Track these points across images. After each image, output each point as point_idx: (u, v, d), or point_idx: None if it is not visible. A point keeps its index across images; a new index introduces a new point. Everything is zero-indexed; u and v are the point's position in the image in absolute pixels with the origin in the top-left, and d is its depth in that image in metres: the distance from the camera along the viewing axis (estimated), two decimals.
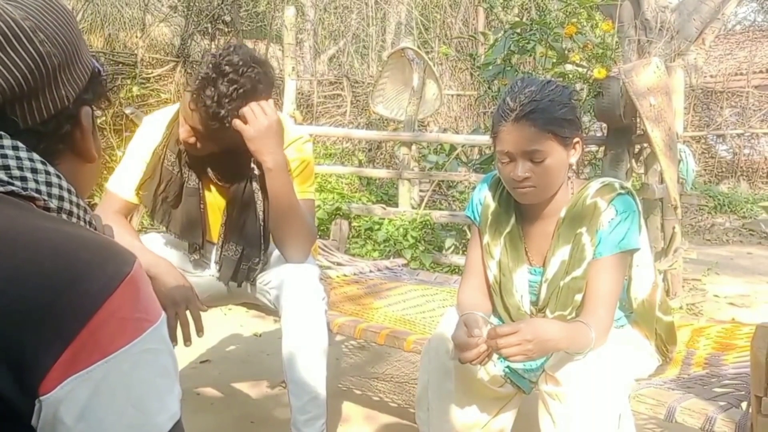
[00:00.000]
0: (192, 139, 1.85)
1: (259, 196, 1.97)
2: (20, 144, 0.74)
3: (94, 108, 0.85)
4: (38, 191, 0.74)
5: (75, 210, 0.78)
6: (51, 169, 0.76)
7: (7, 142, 0.73)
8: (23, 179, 0.73)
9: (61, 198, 0.76)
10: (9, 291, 0.63)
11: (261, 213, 1.97)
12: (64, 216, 0.76)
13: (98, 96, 0.85)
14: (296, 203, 1.93)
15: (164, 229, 2.07)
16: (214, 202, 2.05)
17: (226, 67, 1.74)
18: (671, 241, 4.02)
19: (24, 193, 0.73)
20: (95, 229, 0.81)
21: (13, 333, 0.62)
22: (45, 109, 0.77)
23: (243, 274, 2.03)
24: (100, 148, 0.87)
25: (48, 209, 0.75)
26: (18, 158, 0.74)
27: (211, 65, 1.74)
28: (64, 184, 0.77)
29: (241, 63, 1.74)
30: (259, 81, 1.78)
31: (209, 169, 1.99)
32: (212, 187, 2.05)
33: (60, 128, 0.79)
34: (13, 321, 0.63)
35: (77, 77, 0.80)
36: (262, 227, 1.99)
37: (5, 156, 0.73)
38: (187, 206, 2.02)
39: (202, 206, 2.04)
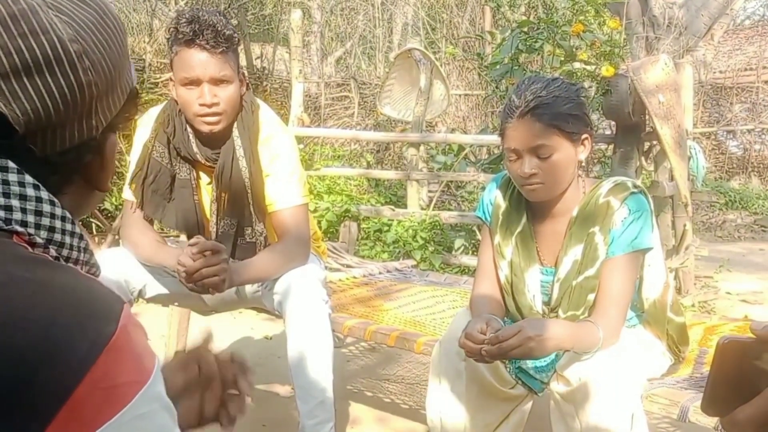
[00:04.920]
0: (208, 97, 1.85)
1: (246, 172, 1.96)
2: (10, 164, 0.65)
3: (119, 131, 0.76)
4: (24, 223, 0.65)
5: (67, 240, 0.69)
6: (44, 194, 0.67)
7: None
8: (7, 209, 0.65)
9: (51, 229, 0.67)
10: None
11: (248, 185, 1.97)
12: (53, 249, 0.68)
13: (128, 119, 0.77)
14: (272, 266, 1.95)
15: (157, 223, 2.06)
16: (209, 193, 2.04)
17: (197, 14, 1.83)
18: (682, 238, 3.99)
19: (6, 227, 0.64)
20: (91, 254, 0.73)
21: None
22: (69, 139, 0.68)
23: (243, 251, 2.02)
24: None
25: (33, 244, 0.66)
26: (5, 183, 0.65)
27: (185, 20, 1.82)
28: (58, 211, 0.68)
29: (200, 12, 1.85)
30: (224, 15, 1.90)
31: (196, 146, 1.96)
32: (204, 178, 2.04)
33: (80, 159, 0.71)
34: None
35: (113, 103, 0.72)
36: (251, 199, 1.98)
37: None
38: (179, 198, 2.02)
39: (196, 198, 2.03)
